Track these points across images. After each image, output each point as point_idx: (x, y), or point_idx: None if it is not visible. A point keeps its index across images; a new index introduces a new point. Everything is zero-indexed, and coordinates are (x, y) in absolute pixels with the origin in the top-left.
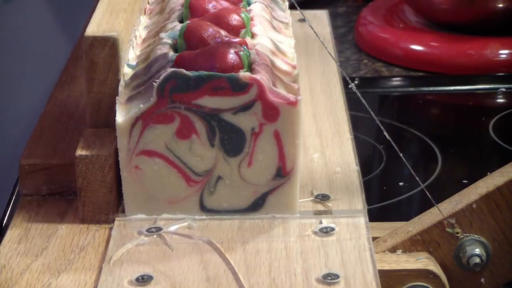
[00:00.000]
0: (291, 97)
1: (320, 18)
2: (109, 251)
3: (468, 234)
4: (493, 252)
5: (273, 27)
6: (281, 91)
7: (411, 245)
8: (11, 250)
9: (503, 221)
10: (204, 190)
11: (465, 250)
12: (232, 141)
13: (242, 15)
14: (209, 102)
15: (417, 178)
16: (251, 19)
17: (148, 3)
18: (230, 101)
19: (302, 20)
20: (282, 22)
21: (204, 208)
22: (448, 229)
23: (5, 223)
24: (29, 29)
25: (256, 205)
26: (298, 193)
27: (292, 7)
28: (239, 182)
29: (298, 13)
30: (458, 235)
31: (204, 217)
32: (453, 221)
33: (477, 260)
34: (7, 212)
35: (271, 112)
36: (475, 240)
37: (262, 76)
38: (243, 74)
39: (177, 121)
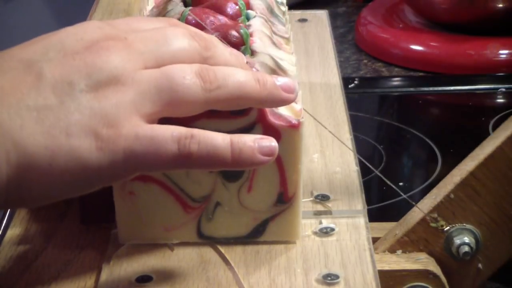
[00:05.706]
0: (293, 119)
1: (320, 18)
2: (109, 251)
3: (453, 225)
4: (483, 237)
5: (273, 43)
6: (283, 113)
7: (400, 248)
8: (11, 250)
9: (485, 204)
10: (201, 216)
11: (453, 241)
12: None
13: (241, 31)
14: (207, 125)
15: (400, 192)
16: (251, 35)
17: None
18: (229, 124)
19: (302, 20)
20: (282, 37)
21: (201, 236)
22: (432, 224)
23: (5, 223)
24: (29, 29)
25: (256, 232)
26: (300, 220)
27: (292, 7)
28: (238, 209)
29: (298, 13)
30: (443, 227)
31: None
32: (435, 215)
33: (466, 248)
34: (7, 212)
35: (272, 135)
36: (462, 229)
37: None
38: None
39: None
